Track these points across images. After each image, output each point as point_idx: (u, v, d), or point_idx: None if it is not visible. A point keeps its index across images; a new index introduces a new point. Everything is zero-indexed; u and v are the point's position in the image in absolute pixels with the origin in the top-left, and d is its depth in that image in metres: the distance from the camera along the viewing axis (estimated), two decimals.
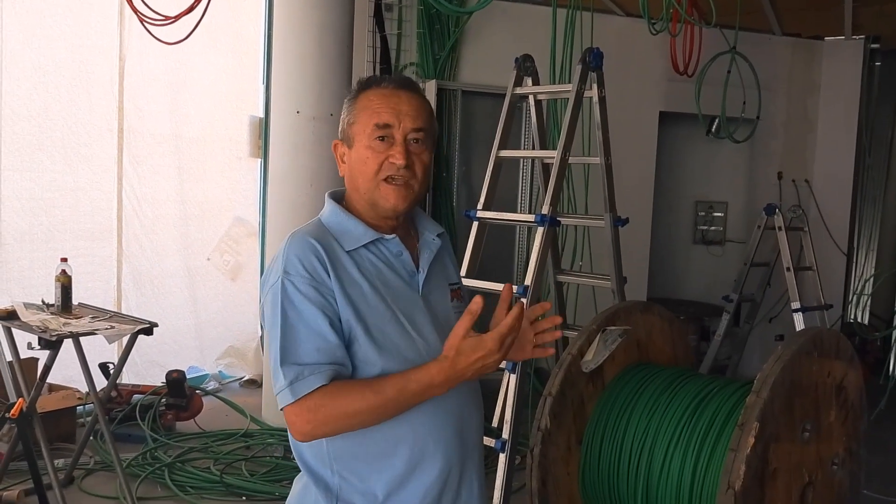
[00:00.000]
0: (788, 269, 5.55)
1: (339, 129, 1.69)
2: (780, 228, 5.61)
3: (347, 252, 1.59)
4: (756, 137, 6.92)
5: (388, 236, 1.64)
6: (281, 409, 1.52)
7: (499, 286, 4.01)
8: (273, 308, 1.54)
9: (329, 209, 1.67)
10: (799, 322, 5.44)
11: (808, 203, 7.05)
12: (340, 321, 1.54)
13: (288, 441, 5.41)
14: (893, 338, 7.04)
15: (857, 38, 7.07)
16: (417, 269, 1.67)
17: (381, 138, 1.60)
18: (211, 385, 5.79)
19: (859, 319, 7.56)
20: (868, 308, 7.68)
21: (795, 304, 5.49)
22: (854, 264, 7.63)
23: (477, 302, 1.46)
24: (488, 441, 3.47)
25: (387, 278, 1.62)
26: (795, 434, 2.46)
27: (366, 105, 1.63)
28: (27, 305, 3.87)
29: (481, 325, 1.82)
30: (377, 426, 1.54)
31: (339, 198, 1.70)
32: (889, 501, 4.41)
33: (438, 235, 1.75)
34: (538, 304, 1.63)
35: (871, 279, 7.46)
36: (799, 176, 7.21)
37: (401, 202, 1.61)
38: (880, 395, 5.76)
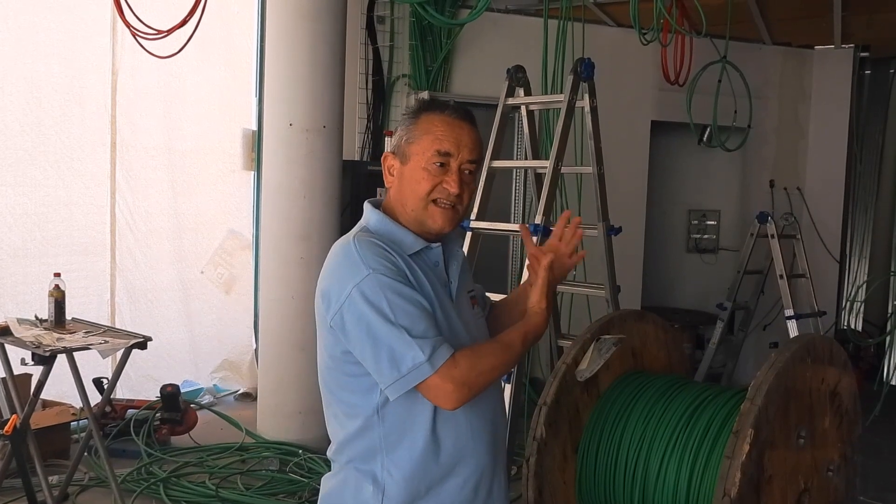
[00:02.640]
0: (781, 276, 5.57)
1: (393, 143, 1.78)
2: (772, 236, 5.64)
3: (409, 256, 1.70)
4: (748, 146, 6.95)
5: (433, 245, 1.75)
6: (407, 389, 1.59)
7: (494, 295, 4.02)
8: (370, 301, 1.59)
9: (376, 218, 1.75)
10: (793, 329, 5.46)
11: (801, 210, 7.08)
12: None
13: (283, 454, 5.30)
14: (887, 344, 7.06)
15: (847, 46, 7.13)
16: (447, 278, 1.77)
17: (440, 164, 1.70)
18: (206, 399, 5.77)
19: (853, 326, 7.59)
20: (861, 314, 7.70)
21: (789, 312, 5.51)
22: (847, 271, 7.65)
23: (547, 257, 1.75)
24: None
25: (435, 284, 1.72)
26: (790, 440, 2.46)
27: (428, 129, 1.72)
28: (20, 321, 3.85)
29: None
30: (426, 424, 1.65)
31: (376, 206, 1.79)
32: None
33: (460, 247, 1.87)
34: (563, 218, 1.85)
35: (864, 286, 7.49)
36: (791, 184, 7.24)
37: (447, 224, 1.73)
38: (875, 401, 5.78)
